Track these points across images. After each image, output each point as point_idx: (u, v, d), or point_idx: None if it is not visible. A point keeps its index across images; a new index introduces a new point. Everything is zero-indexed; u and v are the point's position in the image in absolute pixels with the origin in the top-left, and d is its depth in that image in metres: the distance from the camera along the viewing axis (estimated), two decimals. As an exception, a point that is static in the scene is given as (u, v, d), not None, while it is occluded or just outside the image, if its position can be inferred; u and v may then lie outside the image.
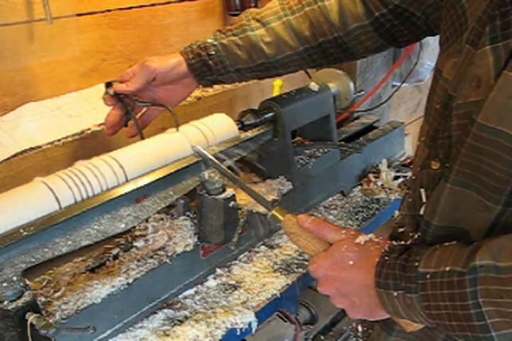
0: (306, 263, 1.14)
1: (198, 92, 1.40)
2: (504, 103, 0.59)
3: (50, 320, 0.78)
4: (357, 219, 1.33)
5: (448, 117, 0.69)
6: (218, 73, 1.06)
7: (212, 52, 1.04)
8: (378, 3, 0.97)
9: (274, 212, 0.84)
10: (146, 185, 0.91)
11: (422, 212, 0.75)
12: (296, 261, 1.15)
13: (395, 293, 0.66)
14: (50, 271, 0.96)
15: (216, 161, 0.96)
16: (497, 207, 0.64)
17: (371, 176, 1.48)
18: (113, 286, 0.91)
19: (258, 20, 1.04)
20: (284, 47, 1.04)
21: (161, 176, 0.93)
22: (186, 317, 0.98)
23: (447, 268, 0.62)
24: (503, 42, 0.60)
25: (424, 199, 0.75)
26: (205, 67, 1.05)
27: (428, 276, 0.63)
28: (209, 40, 1.05)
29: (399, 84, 1.95)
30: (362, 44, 1.03)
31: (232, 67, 1.06)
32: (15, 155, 1.06)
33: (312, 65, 1.11)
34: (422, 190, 0.75)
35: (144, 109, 1.11)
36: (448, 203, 0.69)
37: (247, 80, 1.13)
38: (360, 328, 0.95)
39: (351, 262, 0.71)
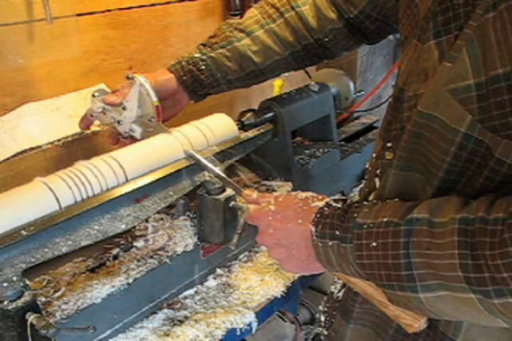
0: (306, 263, 1.14)
1: (198, 92, 1.40)
2: (439, 90, 0.62)
3: (50, 320, 0.78)
4: (357, 219, 1.33)
5: (399, 109, 0.73)
6: (210, 86, 1.09)
7: (203, 67, 1.06)
8: (347, 8, 1.05)
9: None
10: (146, 185, 0.91)
11: (371, 197, 0.79)
12: (296, 261, 1.15)
13: (330, 243, 0.68)
14: (50, 271, 0.96)
15: (209, 165, 0.95)
16: (430, 189, 0.67)
17: (376, 179, 1.47)
18: (113, 286, 0.91)
19: (241, 31, 1.07)
20: (271, 54, 1.08)
21: (161, 176, 0.93)
22: (186, 317, 0.98)
23: (385, 219, 0.64)
24: (446, 36, 0.64)
25: None
26: (197, 82, 1.08)
27: (365, 226, 0.65)
28: (196, 55, 1.07)
29: (399, 84, 1.94)
30: (339, 43, 1.10)
31: (223, 79, 1.09)
32: (15, 155, 1.06)
33: (297, 67, 1.15)
34: (377, 180, 0.79)
35: None
36: (394, 187, 0.73)
37: (237, 88, 1.16)
38: (322, 318, 0.96)
39: (294, 214, 0.73)
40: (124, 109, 1.03)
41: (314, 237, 0.70)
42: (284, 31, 1.07)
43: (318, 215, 0.71)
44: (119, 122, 1.05)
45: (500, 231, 0.53)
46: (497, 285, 0.53)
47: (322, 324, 0.96)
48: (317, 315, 1.02)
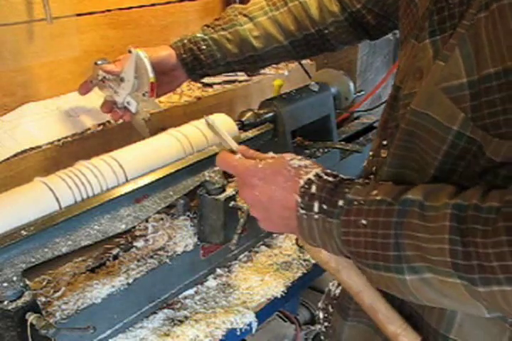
0: (307, 263, 1.15)
1: (198, 92, 1.40)
2: (432, 89, 0.63)
3: (50, 320, 0.78)
4: (357, 219, 1.33)
5: (395, 107, 0.74)
6: (208, 67, 1.11)
7: (204, 47, 1.08)
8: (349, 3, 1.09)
9: None
10: (146, 185, 0.91)
11: None
12: (296, 261, 1.15)
13: (316, 216, 0.65)
14: (50, 271, 0.96)
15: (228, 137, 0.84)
16: None
17: (371, 176, 1.47)
18: (113, 286, 0.91)
19: (245, 15, 1.09)
20: (271, 41, 1.10)
21: (161, 176, 0.93)
22: (186, 317, 0.98)
23: (378, 197, 0.62)
24: (441, 35, 0.64)
25: None
26: (196, 61, 1.09)
27: (355, 203, 0.63)
28: (198, 35, 1.09)
29: (399, 84, 1.94)
30: (339, 36, 1.12)
31: (222, 61, 1.10)
32: (15, 155, 1.06)
33: (296, 56, 1.18)
34: (372, 177, 0.79)
35: None
36: None
37: (234, 71, 1.20)
38: (321, 315, 0.96)
39: (284, 180, 0.69)
40: (122, 80, 1.06)
41: (299, 208, 0.67)
42: (286, 20, 1.09)
43: (306, 186, 0.67)
44: (116, 92, 1.07)
45: (494, 219, 0.53)
46: (484, 274, 0.53)
47: (321, 321, 0.96)
48: (316, 312, 1.02)
